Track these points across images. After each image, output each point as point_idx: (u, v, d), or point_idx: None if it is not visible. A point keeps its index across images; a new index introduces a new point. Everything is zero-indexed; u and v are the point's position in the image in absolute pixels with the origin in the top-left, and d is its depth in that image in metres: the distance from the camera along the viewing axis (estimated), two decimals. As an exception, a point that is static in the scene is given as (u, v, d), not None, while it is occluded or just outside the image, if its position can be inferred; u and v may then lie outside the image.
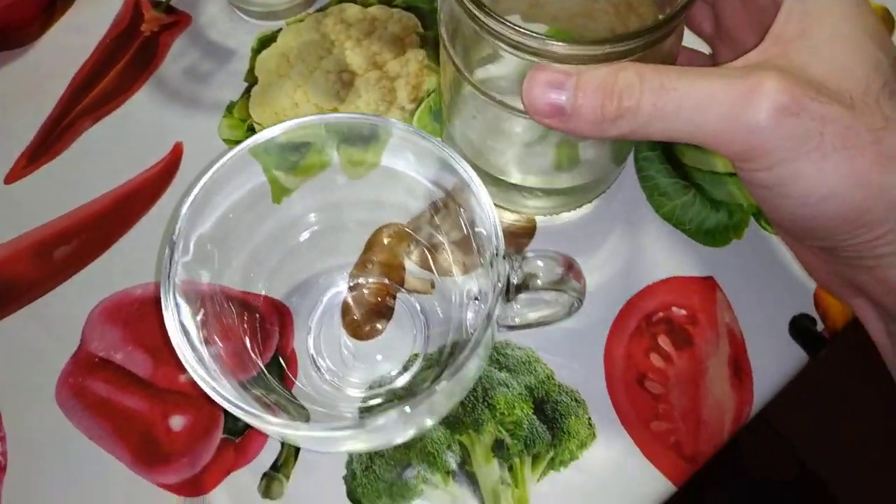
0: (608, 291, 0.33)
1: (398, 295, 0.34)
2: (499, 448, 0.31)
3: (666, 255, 0.34)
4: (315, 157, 0.33)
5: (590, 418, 0.31)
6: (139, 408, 0.33)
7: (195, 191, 0.26)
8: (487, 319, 0.24)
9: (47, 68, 0.41)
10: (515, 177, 0.34)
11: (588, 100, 0.22)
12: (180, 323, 0.25)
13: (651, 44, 0.24)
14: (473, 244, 0.30)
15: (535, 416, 0.32)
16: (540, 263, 0.26)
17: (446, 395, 0.26)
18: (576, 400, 0.32)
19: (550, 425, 0.31)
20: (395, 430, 0.26)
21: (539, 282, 0.26)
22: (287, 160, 0.32)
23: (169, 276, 0.25)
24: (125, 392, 0.33)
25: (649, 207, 0.35)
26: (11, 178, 0.38)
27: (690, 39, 0.30)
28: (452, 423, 0.31)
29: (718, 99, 0.21)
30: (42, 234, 0.37)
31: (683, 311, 0.33)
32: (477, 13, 0.24)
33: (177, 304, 0.25)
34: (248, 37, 0.42)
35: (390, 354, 0.33)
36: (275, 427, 0.23)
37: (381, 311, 0.34)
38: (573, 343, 0.33)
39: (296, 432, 0.24)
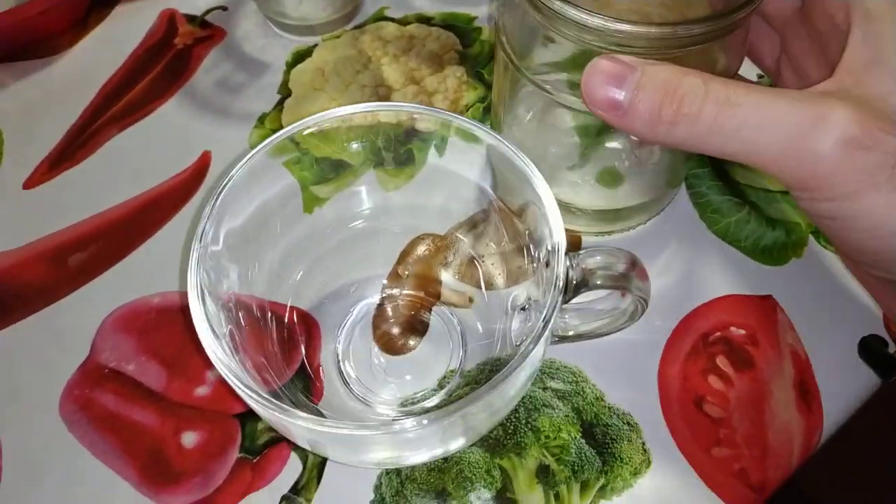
0: (661, 309, 0.31)
1: (434, 308, 0.32)
2: (543, 474, 0.28)
3: (721, 273, 0.32)
4: (350, 175, 0.32)
5: (644, 443, 0.28)
6: (149, 422, 0.30)
7: (226, 180, 0.24)
8: (544, 323, 0.21)
9: (76, 78, 0.40)
10: (567, 192, 0.33)
11: (647, 97, 0.21)
12: (207, 318, 0.22)
13: (717, 33, 0.23)
14: (524, 248, 0.28)
15: (583, 441, 0.29)
16: (599, 258, 0.24)
17: (489, 408, 0.23)
18: (628, 423, 0.29)
19: (600, 450, 0.28)
20: (427, 440, 0.23)
21: (599, 280, 0.24)
22: (322, 177, 0.31)
23: (195, 271, 0.23)
24: (135, 405, 0.30)
25: (702, 224, 0.33)
26: (31, 183, 0.37)
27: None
28: (492, 445, 0.28)
29: (783, 122, 0.20)
30: (58, 240, 0.35)
31: (742, 331, 0.31)
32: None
33: (204, 300, 0.23)
34: (283, 51, 0.41)
35: (424, 371, 0.30)
36: (301, 423, 0.20)
37: (414, 325, 0.32)
38: (624, 363, 0.30)
39: (321, 428, 0.21)
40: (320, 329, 0.31)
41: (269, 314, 0.30)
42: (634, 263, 0.24)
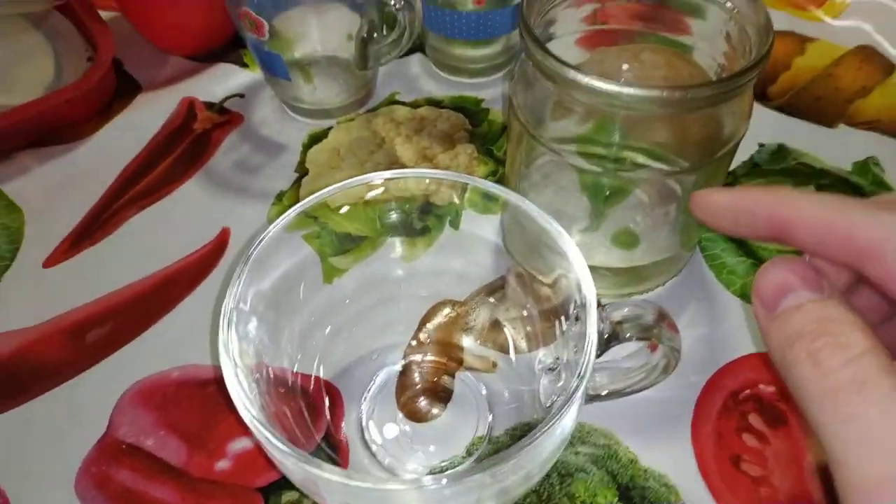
0: (689, 369, 0.31)
1: (457, 374, 0.31)
2: (582, 541, 0.27)
3: (745, 332, 0.32)
4: (368, 246, 0.32)
5: (683, 505, 0.28)
6: (169, 499, 0.29)
7: (257, 242, 0.25)
8: (580, 378, 0.21)
9: (98, 162, 0.41)
10: (587, 244, 0.33)
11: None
12: (237, 377, 0.22)
13: (722, 97, 0.24)
14: (548, 310, 0.28)
15: (619, 505, 0.28)
16: (627, 311, 0.24)
17: (521, 469, 0.23)
18: (666, 485, 0.28)
19: (639, 515, 0.27)
20: (469, 496, 0.22)
21: (629, 332, 0.24)
22: (341, 248, 0.32)
23: (227, 330, 0.23)
24: (154, 481, 0.29)
25: (720, 286, 0.34)
26: (51, 262, 0.37)
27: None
28: (526, 513, 0.28)
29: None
30: (76, 317, 0.35)
31: (771, 388, 0.30)
32: (555, 68, 0.25)
33: (235, 361, 0.23)
34: (300, 134, 0.42)
35: (451, 438, 0.30)
36: (335, 477, 0.19)
37: (438, 391, 0.31)
38: (656, 424, 0.30)
39: (351, 482, 0.20)
40: (343, 398, 0.31)
41: (293, 384, 0.29)
42: (663, 315, 0.24)
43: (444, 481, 0.19)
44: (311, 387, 0.30)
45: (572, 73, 0.25)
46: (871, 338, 0.18)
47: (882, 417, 0.17)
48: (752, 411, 0.30)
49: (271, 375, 0.27)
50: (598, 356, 0.24)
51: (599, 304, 0.23)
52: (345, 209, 0.29)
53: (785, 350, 0.19)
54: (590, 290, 0.23)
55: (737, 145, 0.28)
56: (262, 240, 0.25)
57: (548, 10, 0.29)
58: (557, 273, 0.26)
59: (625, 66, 0.32)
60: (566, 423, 0.21)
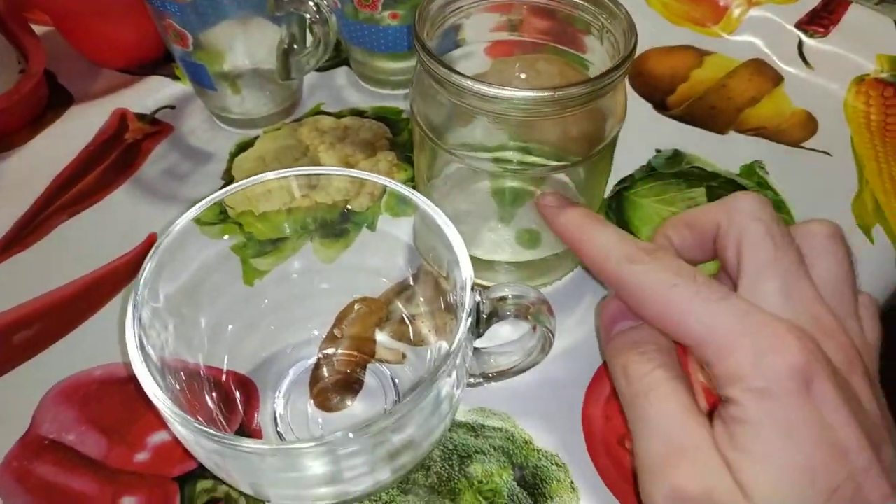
0: (582, 356, 0.33)
1: (368, 366, 0.33)
2: (477, 517, 0.29)
3: (634, 321, 0.35)
4: (289, 248, 0.34)
5: (572, 482, 0.30)
6: (88, 490, 0.30)
7: (164, 237, 0.26)
8: (457, 345, 0.23)
9: (29, 171, 0.42)
10: (487, 250, 0.35)
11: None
12: (145, 364, 0.24)
13: (594, 95, 0.27)
14: (450, 304, 0.30)
15: (514, 483, 0.30)
16: (507, 290, 0.26)
17: (409, 425, 0.24)
18: (556, 464, 0.30)
19: (531, 491, 0.30)
20: (358, 459, 0.24)
21: (509, 309, 0.26)
22: (261, 251, 0.33)
23: (134, 322, 0.24)
24: (74, 474, 0.31)
25: (614, 280, 0.36)
26: (-21, 268, 0.38)
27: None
28: (427, 493, 0.30)
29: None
30: (4, 320, 0.36)
31: (656, 373, 0.33)
32: (446, 76, 0.27)
33: (144, 349, 0.24)
34: (227, 143, 0.44)
35: (361, 425, 0.32)
36: (245, 445, 0.21)
37: (350, 383, 0.33)
38: (550, 408, 0.32)
39: (262, 446, 0.22)
40: (259, 391, 0.33)
41: (206, 379, 0.31)
42: (539, 296, 0.26)
43: (349, 435, 0.21)
44: (224, 380, 0.32)
45: (456, 78, 0.27)
46: (664, 354, 0.25)
47: (657, 415, 0.24)
48: (638, 393, 0.32)
49: (184, 368, 0.29)
50: (480, 333, 0.26)
51: (483, 287, 0.26)
52: (267, 213, 0.31)
53: (611, 363, 0.26)
54: (467, 270, 0.25)
55: (615, 139, 0.31)
56: (171, 231, 0.27)
57: (447, 18, 0.31)
58: (448, 264, 0.28)
59: (522, 75, 0.34)
60: (443, 384, 0.23)
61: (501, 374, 0.29)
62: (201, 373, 0.30)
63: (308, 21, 0.39)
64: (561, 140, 0.31)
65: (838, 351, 0.22)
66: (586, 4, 0.30)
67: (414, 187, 0.41)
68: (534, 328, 0.28)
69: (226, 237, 0.31)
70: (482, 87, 0.26)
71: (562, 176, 0.34)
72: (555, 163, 0.31)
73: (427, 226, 0.28)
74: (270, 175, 0.29)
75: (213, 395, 0.30)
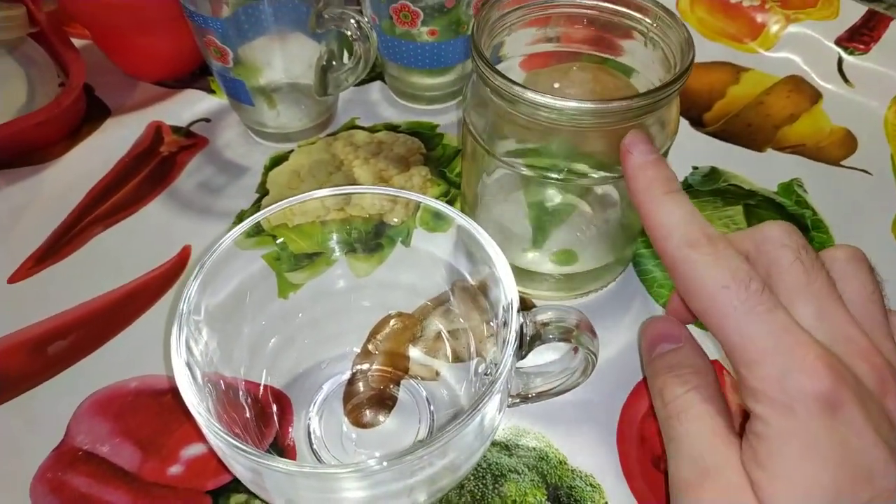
0: (617, 375, 0.33)
1: (402, 382, 0.33)
2: (512, 538, 0.29)
3: (672, 341, 0.34)
4: (323, 262, 0.34)
5: (606, 502, 0.29)
6: (121, 502, 0.30)
7: (212, 251, 0.27)
8: (501, 372, 0.23)
9: (66, 183, 0.43)
10: (532, 260, 0.35)
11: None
12: (189, 378, 0.24)
13: (648, 108, 0.27)
14: (488, 320, 0.30)
15: (548, 503, 0.29)
16: (551, 314, 0.26)
17: (446, 455, 0.24)
18: (591, 485, 0.30)
19: (567, 513, 0.29)
20: (393, 486, 0.24)
21: (552, 333, 0.26)
22: (296, 265, 0.33)
23: (179, 333, 0.25)
24: (107, 486, 0.31)
25: (650, 298, 0.36)
26: (15, 278, 0.38)
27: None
28: (461, 512, 0.29)
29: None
30: (38, 330, 0.36)
31: (695, 394, 0.32)
32: (503, 87, 0.27)
33: (188, 358, 0.24)
34: (262, 157, 0.44)
35: (394, 442, 0.31)
36: (280, 465, 0.21)
37: (384, 399, 0.33)
38: (585, 427, 0.31)
39: (296, 469, 0.22)
40: (292, 406, 0.32)
41: (243, 391, 0.31)
42: (583, 320, 0.26)
43: (383, 463, 0.21)
44: (261, 394, 0.32)
45: (517, 90, 0.27)
46: (701, 377, 0.26)
47: (686, 436, 0.24)
48: (677, 415, 0.32)
49: (222, 382, 0.29)
50: (523, 355, 0.26)
51: (527, 308, 0.25)
52: (301, 226, 0.31)
53: (650, 384, 0.27)
54: (512, 292, 0.25)
55: (665, 153, 0.30)
56: (216, 249, 0.27)
57: (497, 33, 0.32)
58: (489, 281, 0.28)
59: (556, 84, 0.34)
60: (487, 410, 0.23)
61: (541, 395, 0.29)
62: (240, 386, 0.30)
63: (349, 37, 0.40)
64: (611, 151, 0.31)
65: (872, 372, 0.22)
66: (630, 12, 0.30)
67: (450, 202, 0.41)
68: (575, 350, 0.27)
69: (260, 249, 0.31)
70: (538, 97, 0.26)
71: (609, 188, 0.34)
72: (604, 174, 0.31)
73: (467, 242, 0.28)
74: (315, 194, 0.29)
75: (251, 408, 0.30)
